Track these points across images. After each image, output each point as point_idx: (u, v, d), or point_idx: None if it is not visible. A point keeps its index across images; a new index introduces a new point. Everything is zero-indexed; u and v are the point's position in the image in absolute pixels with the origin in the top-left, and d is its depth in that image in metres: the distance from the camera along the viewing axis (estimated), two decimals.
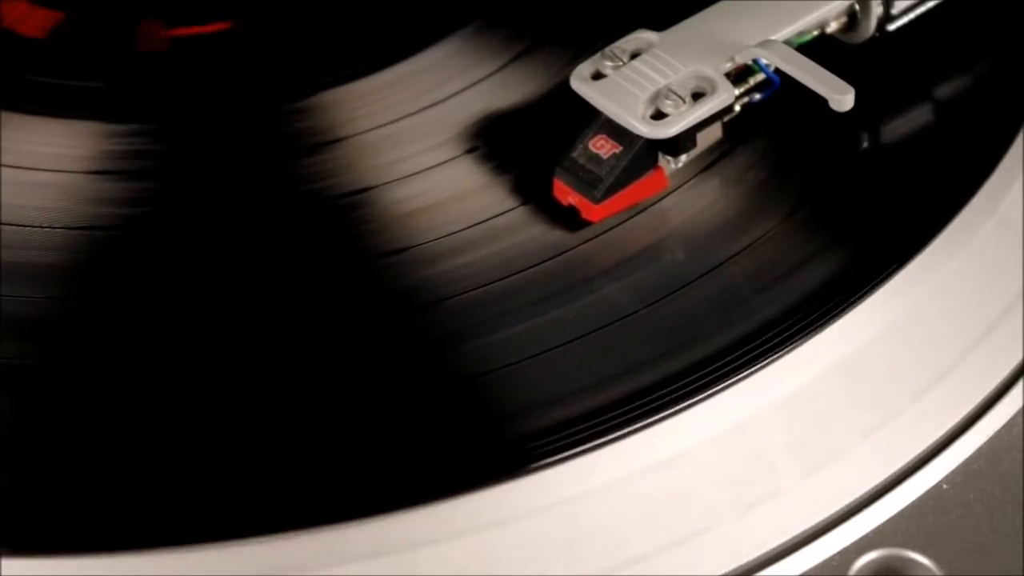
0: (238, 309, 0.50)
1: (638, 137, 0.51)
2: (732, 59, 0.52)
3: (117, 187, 0.54)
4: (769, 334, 0.48)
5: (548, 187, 0.52)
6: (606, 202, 0.51)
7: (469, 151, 0.54)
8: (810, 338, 0.48)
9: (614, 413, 0.46)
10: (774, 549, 0.45)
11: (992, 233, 0.51)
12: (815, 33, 0.54)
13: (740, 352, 0.48)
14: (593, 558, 0.45)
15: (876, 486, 0.46)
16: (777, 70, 0.52)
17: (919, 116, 0.55)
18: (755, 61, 0.52)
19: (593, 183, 0.51)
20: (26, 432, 0.47)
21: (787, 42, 0.53)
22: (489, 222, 0.52)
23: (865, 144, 0.54)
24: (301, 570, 0.44)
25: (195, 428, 0.47)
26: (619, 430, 0.46)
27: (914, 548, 0.45)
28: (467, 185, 0.53)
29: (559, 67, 0.56)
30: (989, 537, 0.45)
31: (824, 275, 0.50)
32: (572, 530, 0.45)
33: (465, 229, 0.52)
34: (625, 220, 0.52)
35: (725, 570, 0.45)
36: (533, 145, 0.54)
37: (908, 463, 0.47)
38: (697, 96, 0.51)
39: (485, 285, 0.50)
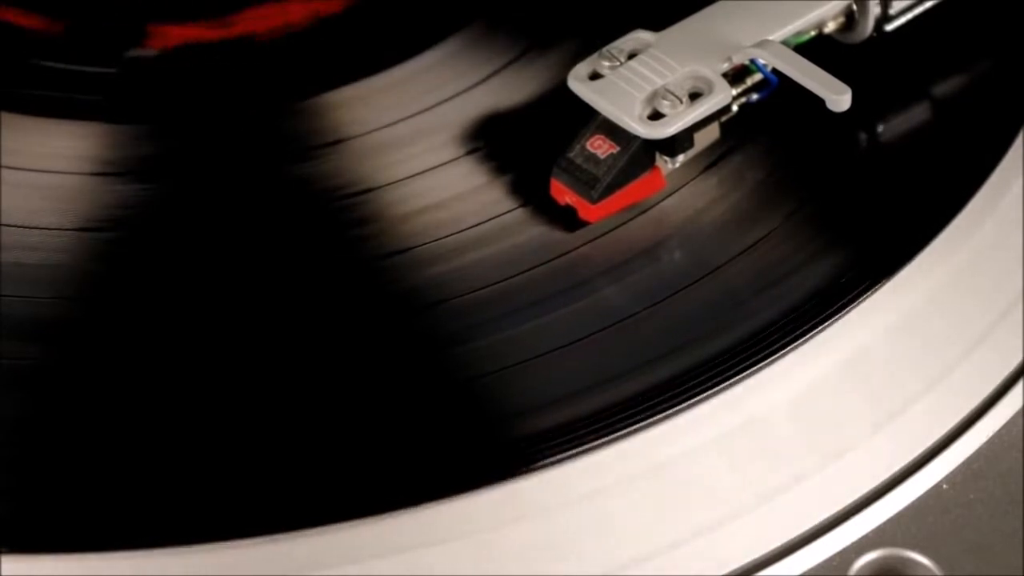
0: (239, 310, 0.50)
1: (635, 137, 0.51)
2: (729, 59, 0.52)
3: (118, 188, 0.54)
4: (769, 336, 0.48)
5: (547, 187, 0.52)
6: (603, 202, 0.51)
7: (469, 152, 0.54)
8: (810, 339, 0.48)
9: (615, 415, 0.46)
10: (774, 549, 0.45)
11: (992, 233, 0.51)
12: (813, 33, 0.54)
13: (739, 354, 0.48)
14: (593, 558, 0.45)
15: (876, 486, 0.46)
16: (775, 70, 0.52)
17: (918, 116, 0.55)
18: (752, 61, 0.52)
19: (590, 183, 0.51)
20: (26, 432, 0.47)
21: (784, 42, 0.53)
22: (489, 222, 0.52)
23: (864, 144, 0.54)
24: (301, 570, 0.44)
25: (195, 428, 0.47)
26: (619, 431, 0.46)
27: (914, 548, 0.45)
28: (467, 185, 0.53)
29: (559, 67, 0.56)
30: (989, 537, 0.45)
31: (824, 276, 0.50)
32: (572, 530, 0.45)
33: (465, 229, 0.52)
34: (625, 221, 0.52)
35: (725, 570, 0.45)
36: (533, 145, 0.54)
37: (908, 463, 0.47)
38: (694, 96, 0.51)
39: (485, 286, 0.50)
